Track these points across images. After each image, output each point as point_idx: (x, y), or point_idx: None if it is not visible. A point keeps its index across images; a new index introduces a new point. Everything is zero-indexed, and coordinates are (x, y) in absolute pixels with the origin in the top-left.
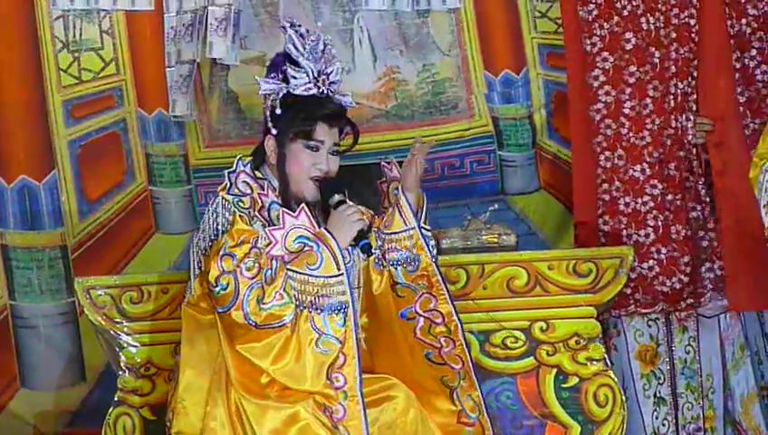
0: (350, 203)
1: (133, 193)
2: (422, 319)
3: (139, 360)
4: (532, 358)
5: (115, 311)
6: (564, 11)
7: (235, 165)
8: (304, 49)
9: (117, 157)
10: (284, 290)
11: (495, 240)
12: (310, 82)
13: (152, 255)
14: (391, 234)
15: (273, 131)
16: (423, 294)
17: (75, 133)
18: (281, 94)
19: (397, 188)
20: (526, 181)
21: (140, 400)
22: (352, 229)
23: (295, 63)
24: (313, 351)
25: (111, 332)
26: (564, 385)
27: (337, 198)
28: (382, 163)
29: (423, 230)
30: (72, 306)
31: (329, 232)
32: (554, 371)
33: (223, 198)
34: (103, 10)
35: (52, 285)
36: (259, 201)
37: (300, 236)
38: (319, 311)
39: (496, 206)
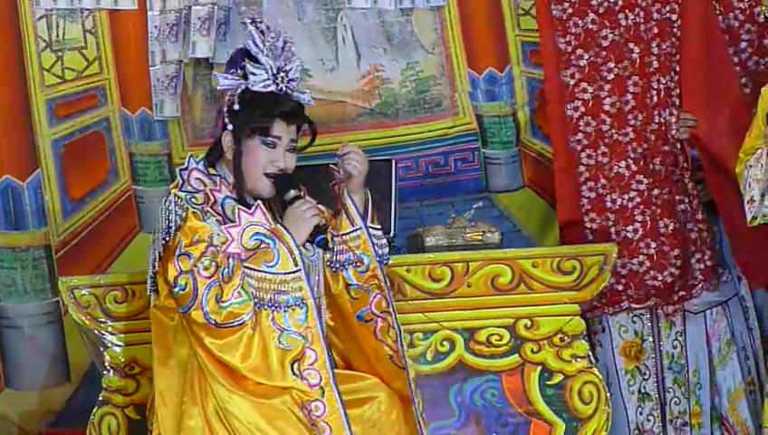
0: (306, 199)
1: (117, 192)
2: (379, 320)
3: (123, 359)
4: (516, 355)
5: (99, 310)
6: (539, 10)
7: (187, 162)
8: (264, 46)
9: (101, 156)
10: (242, 288)
11: (480, 238)
12: (268, 79)
13: (136, 254)
14: (340, 235)
15: (230, 127)
16: (376, 294)
17: (59, 133)
18: (239, 90)
19: (257, 234)
20: (510, 179)
21: (125, 399)
22: (308, 225)
23: (255, 60)
24: (276, 347)
25: (95, 331)
26: (549, 382)
27: (292, 193)
28: (331, 166)
29: (371, 229)
30: (57, 306)
31: (285, 228)
32: (539, 368)
33: (175, 195)
34: (86, 9)
35: (36, 285)
36: (212, 197)
37: (256, 234)
38: (278, 308)
39: (480, 203)
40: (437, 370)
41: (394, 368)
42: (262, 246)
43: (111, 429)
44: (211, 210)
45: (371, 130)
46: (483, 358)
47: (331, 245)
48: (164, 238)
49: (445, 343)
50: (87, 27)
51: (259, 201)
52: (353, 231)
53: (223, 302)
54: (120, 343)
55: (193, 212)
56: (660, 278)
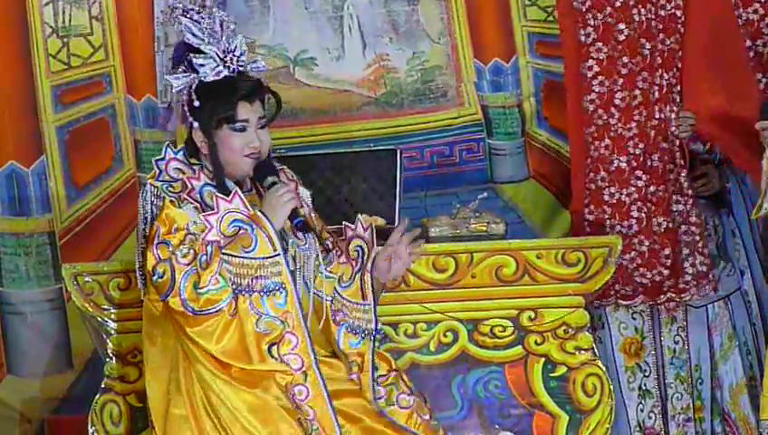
0: (283, 182)
1: (121, 179)
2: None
3: (125, 346)
4: (520, 347)
5: (102, 297)
6: (559, 2)
7: (163, 152)
8: (203, 33)
9: (105, 143)
10: (220, 274)
11: (484, 229)
12: (218, 66)
13: None
14: (346, 299)
15: (196, 124)
16: (353, 373)
17: (64, 119)
18: (194, 86)
19: (359, 247)
20: (515, 170)
21: (127, 387)
22: (285, 208)
23: (198, 51)
24: (254, 331)
25: (99, 318)
26: (552, 374)
27: (270, 179)
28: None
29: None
30: (60, 293)
31: (262, 214)
32: (542, 360)
33: (152, 185)
34: None
35: (39, 272)
36: (189, 184)
37: (234, 220)
38: (256, 292)
39: (485, 194)
40: (440, 360)
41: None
42: (240, 232)
43: (113, 416)
44: (188, 198)
45: (376, 119)
46: (486, 349)
47: (312, 226)
48: (143, 230)
49: (448, 333)
50: (93, 14)
51: (237, 188)
52: (362, 305)
53: (200, 288)
54: (123, 331)
55: (171, 201)
56: (649, 276)
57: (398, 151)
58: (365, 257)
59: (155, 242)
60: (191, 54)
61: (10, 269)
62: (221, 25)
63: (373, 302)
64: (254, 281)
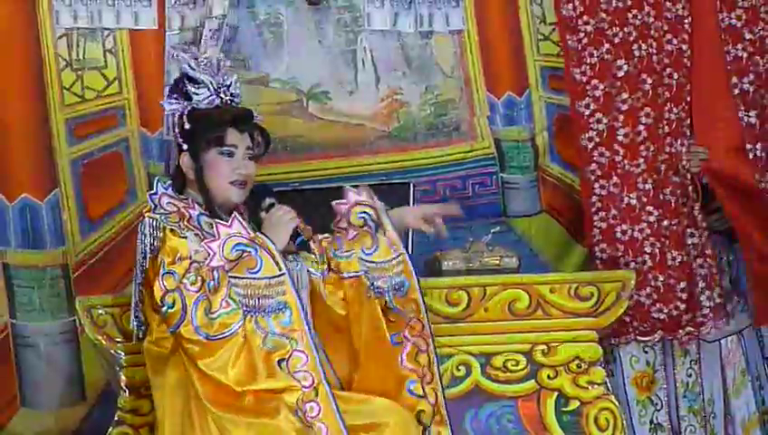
0: (281, 206)
1: (135, 212)
2: (409, 345)
3: (139, 379)
4: (533, 381)
5: (116, 330)
6: (561, 38)
7: (155, 187)
8: (200, 67)
9: (119, 176)
10: (230, 297)
11: (497, 262)
12: (212, 95)
13: None
14: (380, 262)
15: (185, 146)
16: (412, 318)
17: (78, 152)
18: (186, 111)
19: (365, 212)
20: (528, 204)
21: (140, 419)
22: (287, 228)
23: (194, 81)
24: (261, 348)
25: (112, 351)
26: (565, 409)
27: (268, 201)
28: (345, 188)
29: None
30: (73, 325)
31: (264, 235)
32: (555, 394)
33: (149, 217)
34: (107, 29)
35: (53, 304)
36: (186, 214)
37: (237, 244)
38: (261, 312)
39: (498, 228)
40: (453, 394)
41: (409, 398)
42: (244, 255)
43: None
44: (188, 225)
45: (390, 153)
46: (499, 383)
47: (312, 246)
48: (141, 265)
49: (461, 367)
50: (107, 47)
51: (235, 213)
52: (395, 257)
53: (212, 313)
54: (136, 363)
55: (171, 230)
56: (666, 311)
57: (412, 185)
58: (377, 217)
59: (161, 273)
60: (187, 84)
61: (23, 302)
62: (218, 63)
63: (404, 248)
64: (260, 301)
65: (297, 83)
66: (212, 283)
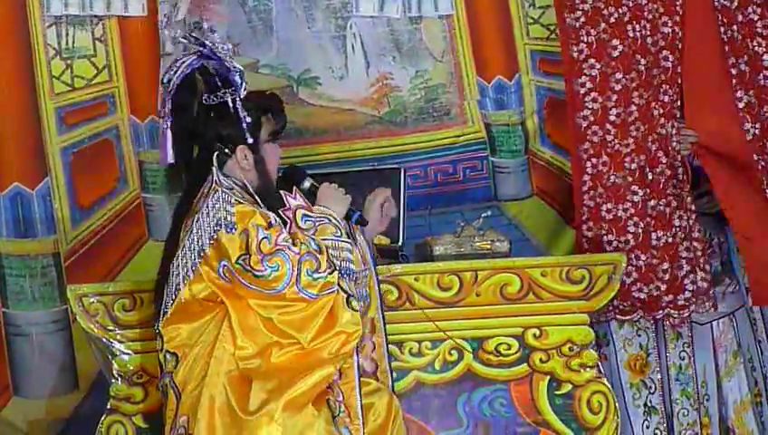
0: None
1: (126, 200)
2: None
3: (131, 367)
4: (525, 365)
5: (108, 318)
6: (558, 18)
7: (214, 173)
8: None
9: (110, 164)
10: (330, 258)
11: (488, 247)
12: (243, 81)
13: (145, 262)
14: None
15: (250, 140)
16: (366, 337)
17: (68, 140)
18: (236, 102)
19: (306, 215)
20: (519, 187)
21: (133, 407)
22: (346, 203)
23: (230, 69)
24: (345, 309)
25: (104, 339)
26: (558, 392)
27: (308, 183)
28: (284, 193)
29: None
30: (65, 314)
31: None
32: (548, 377)
33: (223, 191)
34: (96, 16)
35: (44, 293)
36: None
37: (305, 215)
38: (345, 275)
39: (489, 212)
40: (446, 379)
41: None
42: (316, 224)
43: None
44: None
45: (380, 138)
46: (491, 367)
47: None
48: (214, 233)
49: (453, 352)
50: (97, 35)
51: (295, 187)
52: (364, 270)
53: (319, 272)
54: (129, 352)
55: (239, 202)
56: (646, 291)
57: (402, 170)
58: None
59: (255, 243)
60: (231, 70)
61: (15, 291)
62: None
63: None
64: (343, 264)
65: (287, 69)
66: (313, 242)
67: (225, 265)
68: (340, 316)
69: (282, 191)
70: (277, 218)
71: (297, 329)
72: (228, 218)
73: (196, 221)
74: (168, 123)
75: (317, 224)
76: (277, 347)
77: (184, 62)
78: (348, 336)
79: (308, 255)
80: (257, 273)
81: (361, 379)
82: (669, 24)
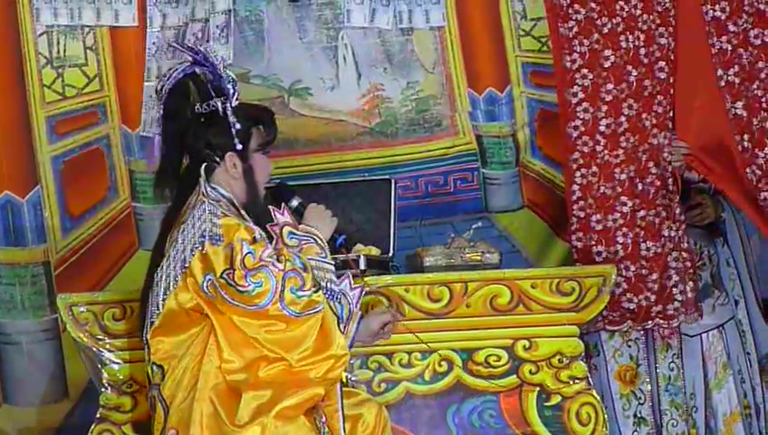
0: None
1: (116, 209)
2: None
3: (121, 377)
4: (514, 376)
5: (97, 328)
6: (551, 27)
7: (202, 183)
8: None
9: (100, 173)
10: (314, 277)
11: (479, 258)
12: (236, 92)
13: (135, 271)
14: None
15: (239, 147)
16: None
17: (59, 149)
18: (228, 109)
19: (292, 233)
20: (510, 199)
21: (123, 417)
22: (332, 225)
23: (224, 78)
24: (340, 334)
25: (94, 348)
26: (547, 404)
27: (296, 201)
28: (272, 208)
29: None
30: (55, 323)
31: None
32: (537, 389)
33: (210, 202)
34: (87, 26)
35: (34, 302)
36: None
37: (291, 232)
38: (328, 294)
39: (480, 224)
40: (435, 390)
41: None
42: (302, 242)
43: None
44: (236, 212)
45: (371, 149)
46: (481, 378)
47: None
48: (199, 243)
49: (443, 363)
50: (88, 44)
51: (283, 204)
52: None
53: (303, 291)
54: (118, 361)
55: (225, 215)
56: (636, 301)
57: (393, 181)
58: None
59: (241, 254)
60: (222, 80)
61: (5, 299)
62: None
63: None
64: (328, 284)
65: (278, 80)
66: (297, 260)
67: (209, 279)
68: (333, 340)
69: (270, 206)
70: (262, 233)
71: (285, 349)
72: (214, 230)
73: (182, 232)
74: (158, 130)
75: (302, 242)
76: (265, 362)
77: (177, 69)
78: (336, 361)
79: (293, 272)
80: (240, 288)
81: (349, 389)
82: (665, 36)
